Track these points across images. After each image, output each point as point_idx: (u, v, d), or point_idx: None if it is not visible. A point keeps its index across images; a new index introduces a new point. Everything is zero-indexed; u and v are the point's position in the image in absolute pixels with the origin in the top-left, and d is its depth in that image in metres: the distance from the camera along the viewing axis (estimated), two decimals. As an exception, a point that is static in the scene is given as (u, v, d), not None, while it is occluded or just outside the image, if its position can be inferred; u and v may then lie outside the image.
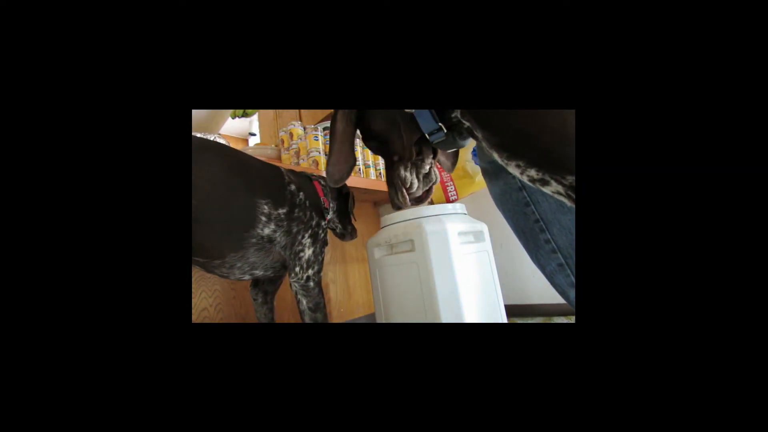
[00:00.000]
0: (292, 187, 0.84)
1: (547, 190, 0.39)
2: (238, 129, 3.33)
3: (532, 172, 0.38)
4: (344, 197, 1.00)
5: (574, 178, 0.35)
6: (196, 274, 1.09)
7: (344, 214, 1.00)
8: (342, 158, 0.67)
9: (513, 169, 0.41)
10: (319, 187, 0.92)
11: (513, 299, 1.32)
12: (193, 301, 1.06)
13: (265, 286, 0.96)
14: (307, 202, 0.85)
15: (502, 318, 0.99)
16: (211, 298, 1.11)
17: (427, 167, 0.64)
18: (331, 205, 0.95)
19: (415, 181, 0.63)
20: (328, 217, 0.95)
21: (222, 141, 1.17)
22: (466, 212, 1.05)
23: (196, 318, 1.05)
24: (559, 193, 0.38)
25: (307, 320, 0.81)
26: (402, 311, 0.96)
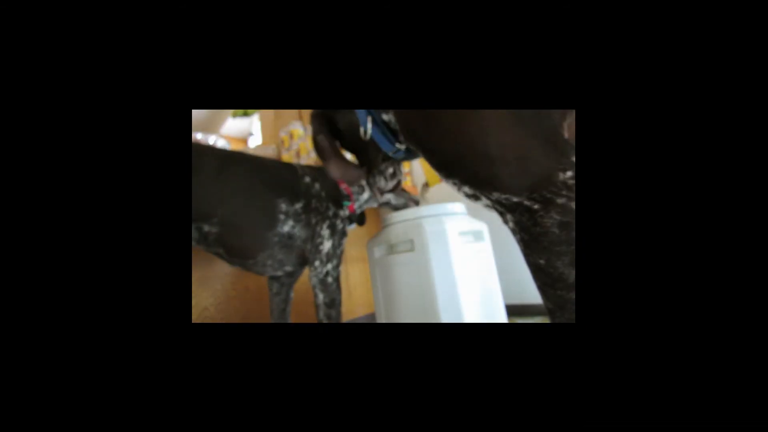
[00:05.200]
0: (307, 179, 0.86)
1: (479, 203, 0.43)
2: (238, 129, 3.33)
3: (466, 189, 0.43)
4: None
5: (498, 194, 0.39)
6: (196, 274, 1.09)
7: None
8: (342, 163, 0.71)
9: (451, 185, 0.45)
10: None
11: (513, 299, 1.32)
12: (194, 301, 1.06)
13: (282, 277, 0.97)
14: (323, 193, 0.87)
15: (502, 318, 0.99)
16: (211, 298, 1.11)
17: (391, 170, 0.78)
18: (365, 183, 0.94)
19: (382, 181, 0.77)
20: (364, 196, 0.96)
21: (222, 141, 1.17)
22: (466, 212, 1.05)
23: (196, 318, 1.05)
24: (489, 206, 0.42)
25: (321, 315, 0.82)
26: (402, 311, 0.96)
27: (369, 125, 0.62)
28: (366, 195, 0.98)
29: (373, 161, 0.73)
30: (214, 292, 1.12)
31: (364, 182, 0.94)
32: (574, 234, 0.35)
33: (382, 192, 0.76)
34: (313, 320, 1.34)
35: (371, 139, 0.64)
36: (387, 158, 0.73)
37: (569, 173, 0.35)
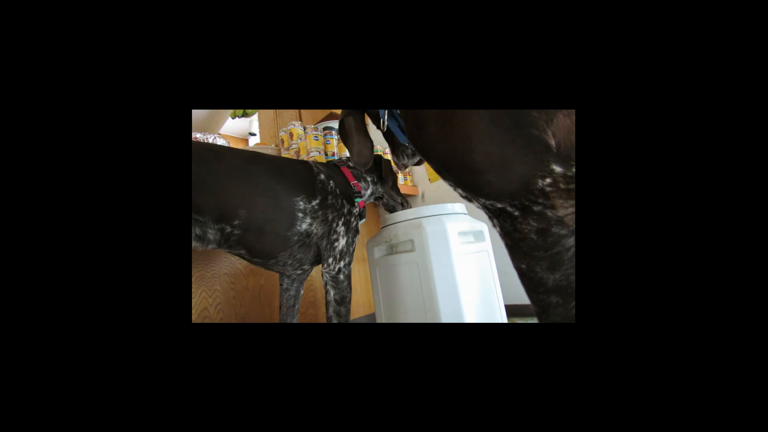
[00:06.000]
0: (322, 176, 0.87)
1: (473, 204, 0.46)
2: (238, 129, 3.33)
3: (460, 191, 0.46)
4: (378, 167, 1.03)
5: (484, 200, 0.42)
6: (196, 273, 1.09)
7: (387, 184, 1.03)
8: (361, 144, 0.80)
9: (449, 186, 0.49)
10: (347, 173, 0.95)
11: (513, 299, 1.32)
12: (193, 301, 1.06)
13: (293, 275, 0.98)
14: (338, 190, 0.88)
15: (502, 318, 0.99)
16: (211, 298, 1.11)
17: (409, 151, 0.88)
18: (370, 179, 1.00)
19: (405, 158, 0.87)
20: (368, 192, 1.00)
21: (222, 141, 1.17)
22: (466, 212, 1.05)
23: (196, 318, 1.05)
24: (479, 207, 0.45)
25: (331, 311, 0.83)
26: (402, 311, 0.96)
27: (385, 118, 0.66)
28: (369, 191, 1.01)
29: (396, 143, 0.83)
30: (214, 292, 1.12)
31: (369, 178, 1.00)
32: (550, 240, 0.37)
33: (405, 167, 0.85)
34: (312, 320, 1.34)
35: (389, 129, 0.70)
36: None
37: (548, 180, 0.37)
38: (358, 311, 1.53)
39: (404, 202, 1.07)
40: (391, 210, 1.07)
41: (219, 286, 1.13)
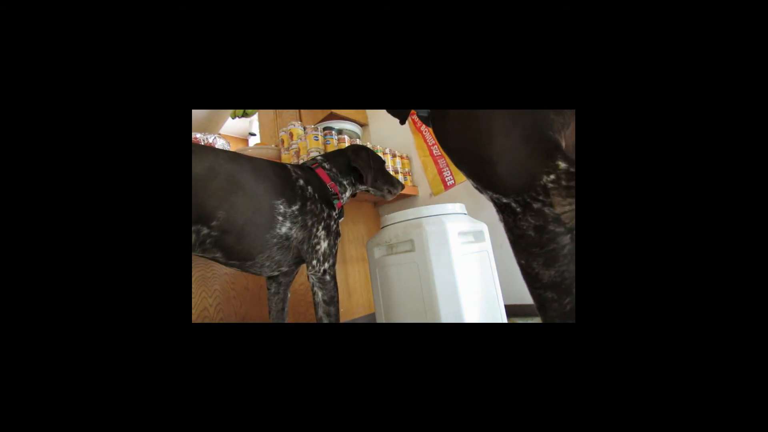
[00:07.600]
0: (301, 182, 0.87)
1: (484, 196, 0.47)
2: (238, 129, 3.33)
3: (472, 182, 0.48)
4: (352, 168, 1.01)
5: (491, 193, 0.43)
6: (196, 274, 1.09)
7: (368, 179, 1.01)
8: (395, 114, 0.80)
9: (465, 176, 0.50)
10: (323, 175, 0.94)
11: (513, 299, 1.32)
12: (193, 301, 1.06)
13: (279, 277, 0.98)
14: (316, 195, 0.88)
15: (502, 318, 0.99)
16: (211, 298, 1.11)
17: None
18: (346, 182, 0.99)
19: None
20: (346, 195, 0.99)
21: (222, 141, 1.17)
22: (466, 212, 1.05)
23: (196, 318, 1.05)
24: (489, 200, 0.47)
25: (321, 312, 0.83)
26: (402, 311, 0.96)
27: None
28: (348, 193, 1.01)
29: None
30: (214, 292, 1.12)
31: (345, 182, 0.99)
32: (546, 237, 0.38)
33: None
34: (311, 320, 1.34)
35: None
36: None
37: (552, 176, 0.38)
38: (357, 311, 1.53)
39: (391, 189, 1.04)
40: (382, 197, 1.05)
41: (219, 286, 1.13)
